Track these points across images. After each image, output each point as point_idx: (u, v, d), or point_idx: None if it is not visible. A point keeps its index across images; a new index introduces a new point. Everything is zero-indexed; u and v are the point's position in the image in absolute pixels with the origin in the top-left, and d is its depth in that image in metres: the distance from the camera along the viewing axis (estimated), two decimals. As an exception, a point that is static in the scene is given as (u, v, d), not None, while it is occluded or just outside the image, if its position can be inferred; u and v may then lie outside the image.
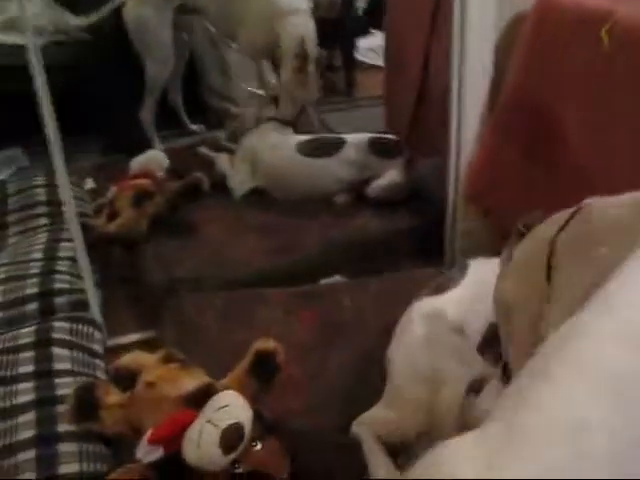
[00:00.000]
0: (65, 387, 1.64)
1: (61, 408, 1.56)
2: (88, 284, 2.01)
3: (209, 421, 1.29)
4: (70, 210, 1.93)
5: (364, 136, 2.70)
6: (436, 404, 1.39)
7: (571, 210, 1.13)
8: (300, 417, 1.61)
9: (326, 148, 2.66)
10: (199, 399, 1.42)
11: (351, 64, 4.22)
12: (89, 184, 2.87)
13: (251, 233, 2.42)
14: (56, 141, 1.79)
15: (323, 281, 2.33)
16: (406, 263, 2.43)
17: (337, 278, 2.34)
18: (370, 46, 4.67)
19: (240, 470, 1.34)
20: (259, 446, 1.36)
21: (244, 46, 2.89)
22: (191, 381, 1.47)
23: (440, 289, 1.67)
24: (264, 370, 1.54)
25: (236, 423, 1.29)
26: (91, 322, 1.97)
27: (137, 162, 2.59)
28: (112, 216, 2.38)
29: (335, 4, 3.94)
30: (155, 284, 2.21)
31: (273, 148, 2.70)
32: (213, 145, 3.10)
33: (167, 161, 2.63)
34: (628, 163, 1.68)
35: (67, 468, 1.44)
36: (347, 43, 4.16)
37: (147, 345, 2.07)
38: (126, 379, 1.57)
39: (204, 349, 1.83)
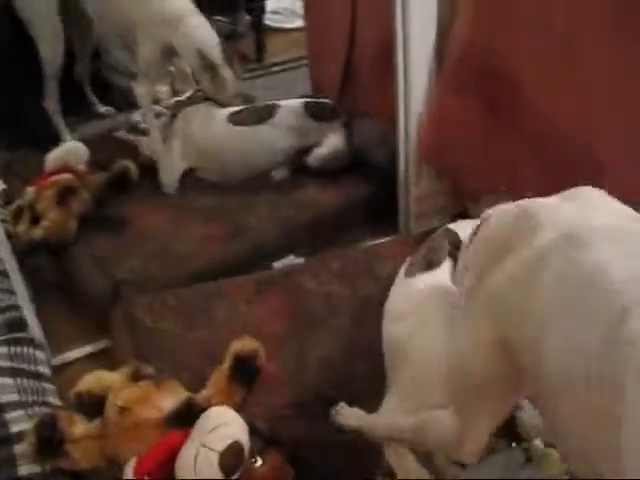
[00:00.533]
0: (18, 422, 1.46)
1: (19, 448, 1.37)
2: (23, 299, 1.81)
3: (204, 445, 1.14)
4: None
5: (298, 100, 2.53)
6: None
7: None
8: (285, 416, 1.48)
9: (259, 115, 2.47)
10: (182, 418, 1.28)
11: (261, 28, 4.03)
12: (-2, 186, 2.60)
13: (193, 222, 2.24)
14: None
15: (276, 263, 2.19)
16: (359, 234, 2.32)
17: (291, 258, 2.20)
18: (274, 8, 4.48)
19: (242, 491, 1.20)
20: (259, 462, 1.23)
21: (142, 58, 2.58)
22: (169, 399, 1.31)
23: (432, 263, 1.56)
24: (246, 374, 1.40)
25: (234, 443, 1.15)
26: (31, 342, 1.76)
27: (53, 156, 2.34)
28: (35, 220, 2.14)
29: (237, -33, 3.73)
30: (96, 289, 2.01)
31: (204, 122, 2.50)
32: (131, 129, 2.87)
33: (87, 152, 2.39)
34: (599, 113, 1.61)
35: (38, 515, 1.28)
36: (257, 6, 3.96)
37: (100, 357, 1.90)
38: (91, 405, 1.40)
39: (166, 355, 1.67)
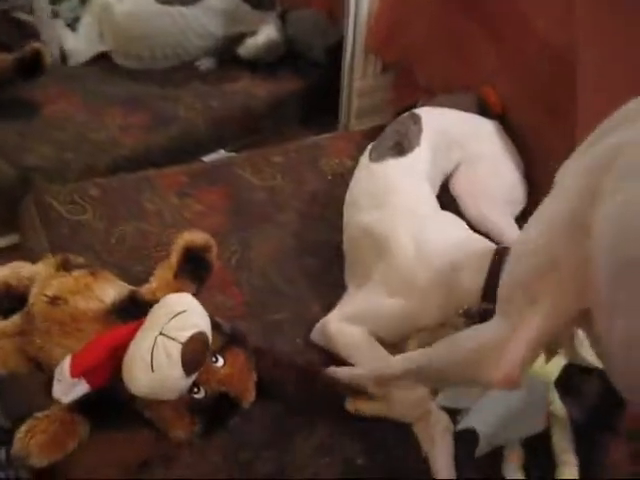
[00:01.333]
0: None
1: None
2: None
3: (162, 334, 0.95)
4: None
5: None
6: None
7: None
8: (238, 316, 1.31)
9: None
10: (127, 311, 1.09)
11: None
12: None
13: (111, 110, 1.98)
14: None
15: (206, 157, 1.99)
16: (294, 130, 2.16)
17: (222, 152, 2.01)
18: None
19: (201, 395, 1.03)
20: (220, 362, 1.06)
21: None
22: (110, 290, 1.13)
23: (403, 148, 1.43)
24: (196, 268, 1.22)
25: (199, 333, 0.98)
26: None
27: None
28: None
29: None
30: (3, 178, 1.75)
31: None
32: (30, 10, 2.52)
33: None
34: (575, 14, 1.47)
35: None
36: None
37: (6, 255, 1.66)
38: (6, 300, 1.19)
39: (90, 250, 1.45)
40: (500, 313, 0.89)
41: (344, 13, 1.95)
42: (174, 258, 1.21)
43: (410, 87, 1.94)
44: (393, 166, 1.40)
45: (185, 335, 0.95)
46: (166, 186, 1.65)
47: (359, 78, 2.04)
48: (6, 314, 1.18)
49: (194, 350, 0.95)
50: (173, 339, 0.94)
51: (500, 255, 1.11)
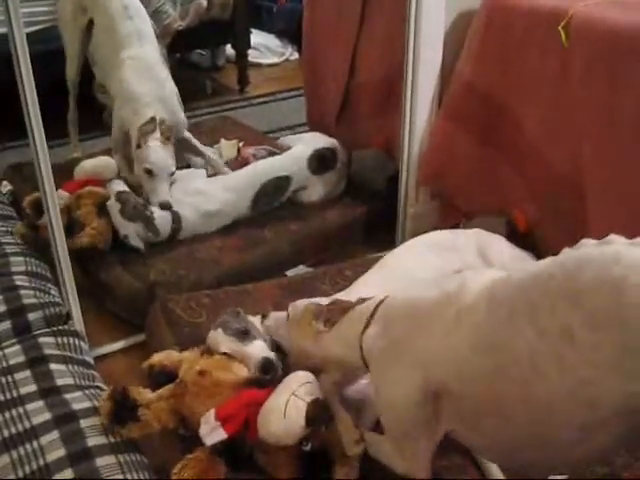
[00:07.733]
0: (78, 401, 1.58)
1: (84, 422, 1.50)
2: (72, 295, 1.97)
3: (294, 394, 1.37)
4: (55, 224, 1.87)
5: (302, 158, 2.65)
6: None
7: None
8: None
9: (277, 195, 2.61)
10: (257, 384, 1.50)
11: (245, 62, 4.27)
12: (6, 186, 2.71)
13: (214, 233, 2.45)
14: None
15: (289, 272, 2.40)
16: (358, 247, 2.58)
17: (301, 267, 2.43)
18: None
19: (308, 448, 1.41)
20: (324, 428, 1.44)
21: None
22: (243, 369, 1.54)
23: None
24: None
25: (320, 398, 1.39)
26: (75, 334, 1.88)
27: (88, 166, 2.50)
28: (71, 224, 2.27)
29: (228, 5, 3.95)
30: (130, 291, 2.20)
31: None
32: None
33: (116, 168, 2.55)
34: (583, 149, 1.85)
35: (113, 480, 1.40)
36: (241, 41, 4.20)
37: (138, 349, 2.07)
38: (161, 375, 1.61)
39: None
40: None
41: (399, 152, 2.41)
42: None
43: (453, 212, 2.37)
44: None
45: (310, 398, 1.37)
46: (262, 297, 2.06)
47: (412, 205, 2.47)
48: (156, 388, 1.56)
49: (316, 409, 1.36)
50: (302, 399, 1.36)
51: None
